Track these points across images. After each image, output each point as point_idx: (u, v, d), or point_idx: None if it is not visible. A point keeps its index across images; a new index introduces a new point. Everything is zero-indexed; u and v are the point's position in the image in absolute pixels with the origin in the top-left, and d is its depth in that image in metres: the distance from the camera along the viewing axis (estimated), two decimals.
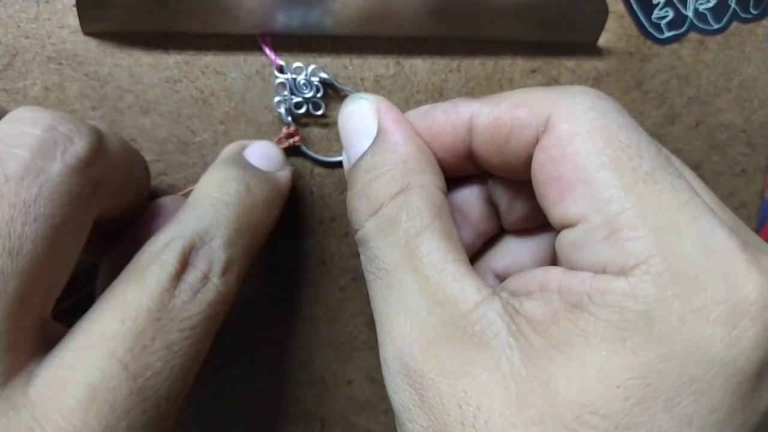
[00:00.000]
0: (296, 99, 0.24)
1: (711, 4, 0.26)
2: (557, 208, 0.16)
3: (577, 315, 0.15)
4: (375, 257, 0.18)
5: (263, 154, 0.22)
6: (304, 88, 0.24)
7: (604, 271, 0.15)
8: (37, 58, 0.23)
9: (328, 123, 0.25)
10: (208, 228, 0.19)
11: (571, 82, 0.25)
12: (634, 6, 0.25)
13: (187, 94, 0.24)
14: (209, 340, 0.18)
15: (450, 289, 0.16)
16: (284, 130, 0.24)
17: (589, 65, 0.25)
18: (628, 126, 0.16)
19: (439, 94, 0.25)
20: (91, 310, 0.17)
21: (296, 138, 0.24)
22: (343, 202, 0.26)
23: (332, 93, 0.24)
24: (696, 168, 0.28)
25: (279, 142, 0.24)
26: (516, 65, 0.25)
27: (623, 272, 0.15)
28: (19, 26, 0.22)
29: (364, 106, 0.20)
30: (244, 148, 0.23)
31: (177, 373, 0.17)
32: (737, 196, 0.28)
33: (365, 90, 0.24)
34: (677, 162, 0.19)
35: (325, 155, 0.25)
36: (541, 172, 0.17)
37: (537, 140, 0.17)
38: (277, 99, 0.24)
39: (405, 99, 0.25)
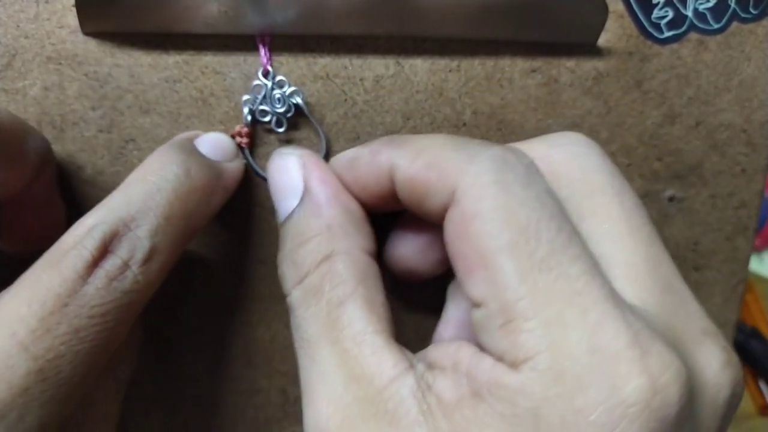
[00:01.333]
0: (263, 107, 0.24)
1: (711, 4, 0.26)
2: (464, 285, 0.16)
3: (478, 404, 0.15)
4: (299, 326, 0.18)
5: (214, 143, 0.22)
6: (277, 102, 0.24)
7: (502, 359, 0.15)
8: (36, 58, 0.23)
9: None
10: (136, 214, 0.18)
11: (571, 82, 0.25)
12: (634, 6, 0.25)
13: (187, 94, 0.24)
14: (124, 327, 0.18)
15: (367, 363, 0.17)
16: (237, 128, 0.24)
17: (589, 65, 0.25)
18: (530, 201, 0.16)
19: (439, 94, 0.25)
20: (6, 290, 0.17)
21: (245, 140, 0.24)
22: None
23: (300, 118, 0.24)
24: (696, 168, 0.28)
25: (231, 138, 0.24)
26: (516, 65, 0.25)
27: (515, 365, 0.15)
28: (18, 26, 0.22)
29: (291, 162, 0.20)
30: (195, 136, 0.23)
31: (82, 357, 0.17)
32: (737, 196, 0.28)
33: (364, 90, 0.24)
34: (590, 226, 0.18)
35: (263, 170, 0.25)
36: (450, 244, 0.17)
37: (447, 206, 0.17)
38: (246, 97, 0.24)
39: (405, 99, 0.25)
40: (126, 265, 0.18)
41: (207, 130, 0.24)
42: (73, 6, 0.22)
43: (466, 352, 0.16)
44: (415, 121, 0.25)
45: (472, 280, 0.16)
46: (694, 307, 0.17)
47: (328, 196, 0.19)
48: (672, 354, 0.15)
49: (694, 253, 0.29)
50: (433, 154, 0.18)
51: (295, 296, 0.19)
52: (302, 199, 0.20)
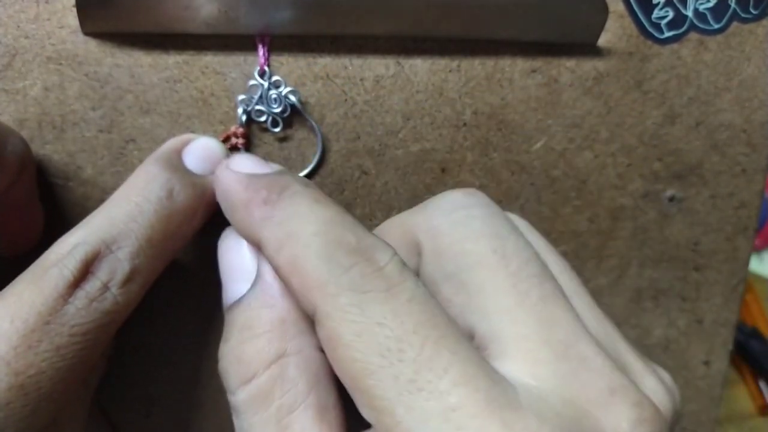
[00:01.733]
0: (259, 107, 0.24)
1: (711, 4, 0.26)
2: (357, 407, 0.16)
3: None
4: (247, 430, 0.17)
5: (202, 154, 0.22)
6: (273, 102, 0.24)
7: None
8: (36, 59, 0.23)
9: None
10: (117, 236, 0.18)
11: (571, 82, 0.25)
12: (634, 6, 0.25)
13: (187, 94, 0.24)
14: (102, 345, 0.19)
15: None
16: (232, 128, 0.24)
17: (589, 65, 0.25)
18: (388, 320, 0.15)
19: (439, 94, 0.25)
20: None
21: (241, 140, 0.24)
22: (354, 193, 0.26)
23: (296, 118, 0.24)
24: (696, 168, 0.28)
25: (226, 138, 0.24)
26: (516, 65, 0.25)
27: None
28: (18, 26, 0.22)
29: (239, 243, 0.20)
30: (185, 143, 0.22)
31: (63, 373, 0.17)
32: (737, 196, 0.28)
33: (365, 90, 0.24)
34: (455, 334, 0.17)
35: None
36: (331, 364, 0.16)
37: (312, 317, 0.16)
38: (241, 97, 0.24)
39: (405, 99, 0.25)
40: (106, 287, 0.18)
41: (207, 130, 0.24)
42: (73, 6, 0.22)
43: None
44: (415, 121, 0.25)
45: (357, 403, 0.16)
46: (596, 364, 0.16)
47: (283, 289, 0.18)
48: None
49: (694, 253, 0.29)
50: (297, 251, 0.16)
51: (241, 398, 0.17)
52: (254, 286, 0.19)
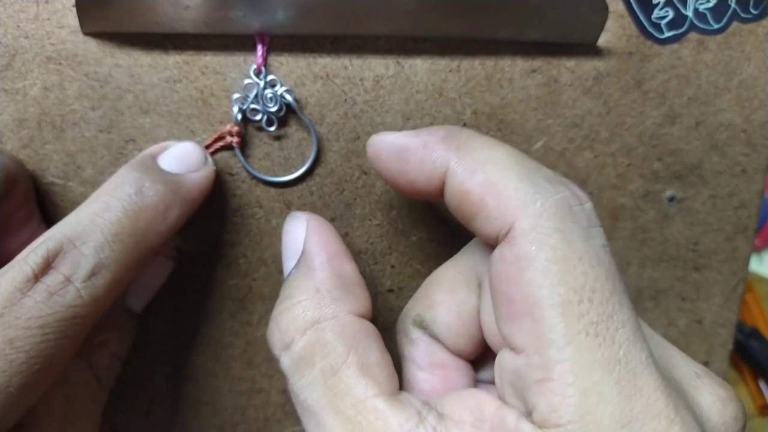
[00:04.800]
0: (254, 106, 0.24)
1: (711, 4, 0.26)
2: (505, 328, 0.16)
3: None
4: (297, 395, 0.18)
5: (178, 155, 0.22)
6: (269, 101, 0.24)
7: (529, 415, 0.15)
8: (36, 58, 0.23)
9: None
10: (82, 232, 0.19)
11: (571, 82, 0.25)
12: (634, 6, 0.25)
13: (187, 94, 0.24)
14: (70, 341, 0.19)
15: (373, 428, 0.16)
16: (227, 127, 0.24)
17: (589, 65, 0.25)
18: (589, 256, 0.16)
19: (439, 94, 0.25)
20: None
21: (236, 139, 0.24)
22: (354, 193, 0.26)
23: (296, 119, 0.24)
24: (696, 168, 0.28)
25: (219, 137, 0.24)
26: (516, 65, 0.25)
27: (544, 426, 0.15)
28: (18, 26, 0.22)
29: (295, 225, 0.20)
30: (162, 150, 0.22)
31: (17, 367, 0.17)
32: (737, 196, 0.28)
33: (365, 90, 0.24)
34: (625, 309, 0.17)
35: (258, 171, 0.25)
36: (497, 282, 0.17)
37: (498, 237, 0.17)
38: (236, 96, 0.24)
39: (405, 99, 0.25)
40: (68, 281, 0.18)
41: (206, 129, 0.24)
42: (73, 6, 0.22)
43: (490, 406, 0.16)
44: (415, 121, 0.25)
45: (515, 326, 0.16)
46: (677, 353, 0.18)
47: (322, 260, 0.19)
48: (693, 424, 0.15)
49: (694, 253, 0.29)
50: (495, 175, 0.17)
51: (286, 363, 0.18)
52: (298, 261, 0.20)
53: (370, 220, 0.26)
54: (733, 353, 0.32)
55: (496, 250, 0.17)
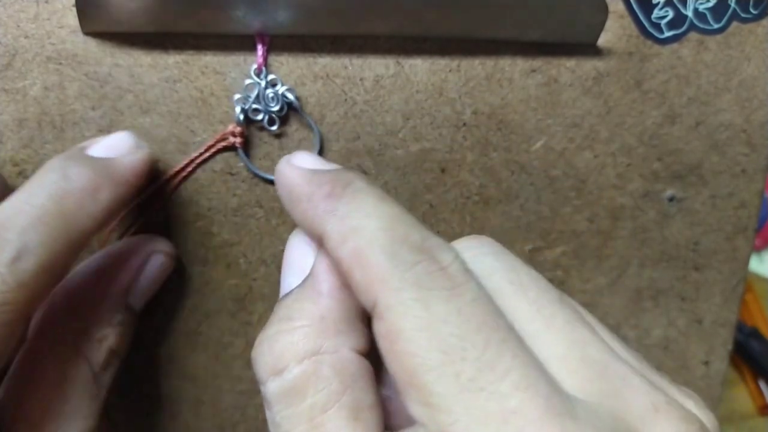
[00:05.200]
0: (256, 106, 0.24)
1: (711, 4, 0.26)
2: (404, 401, 0.16)
3: None
4: (278, 425, 0.17)
5: (107, 145, 0.22)
6: (271, 101, 0.24)
7: None
8: (36, 58, 0.23)
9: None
10: (6, 219, 0.18)
11: (571, 82, 0.25)
12: (634, 6, 0.25)
13: (187, 94, 0.24)
14: (4, 329, 0.18)
15: None
16: (230, 127, 0.24)
17: (589, 65, 0.25)
18: (453, 317, 0.15)
19: (439, 94, 0.25)
20: None
21: (238, 140, 0.24)
22: None
23: (296, 119, 0.24)
24: (696, 168, 0.28)
25: (222, 138, 0.24)
26: (516, 65, 0.25)
27: None
28: (18, 26, 0.22)
29: (304, 241, 0.20)
30: (94, 142, 0.22)
31: None
32: (737, 196, 0.28)
33: (365, 90, 0.24)
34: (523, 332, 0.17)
35: (260, 169, 0.25)
36: (383, 357, 0.16)
37: (370, 310, 0.16)
38: (237, 96, 0.24)
39: (405, 99, 0.25)
40: None
41: (207, 129, 0.24)
42: (73, 6, 0.22)
43: None
44: (415, 120, 0.25)
45: (408, 400, 0.16)
46: (636, 383, 0.16)
47: (331, 287, 0.18)
48: None
49: (694, 253, 0.29)
50: (361, 246, 0.16)
51: (272, 389, 0.17)
52: (304, 281, 0.19)
53: None
54: (733, 353, 0.32)
55: (374, 327, 0.16)
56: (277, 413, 0.17)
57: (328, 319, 0.18)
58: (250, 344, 0.27)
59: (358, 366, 0.18)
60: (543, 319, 0.17)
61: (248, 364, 0.27)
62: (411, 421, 0.17)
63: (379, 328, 0.16)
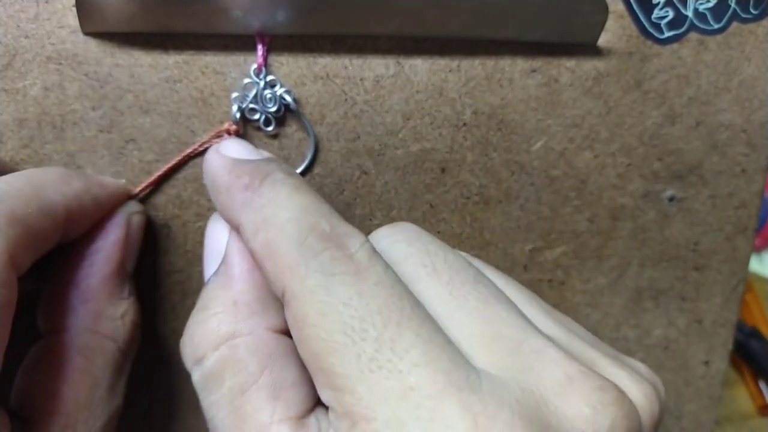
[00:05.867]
0: (253, 105, 0.24)
1: (711, 4, 0.26)
2: (317, 389, 0.16)
3: None
4: (206, 412, 0.18)
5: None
6: (268, 102, 0.24)
7: None
8: (36, 58, 0.23)
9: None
10: None
11: (571, 82, 0.25)
12: (634, 6, 0.25)
13: (187, 94, 0.24)
14: None
15: None
16: (225, 125, 0.24)
17: (589, 65, 0.25)
18: (354, 300, 0.16)
19: (439, 94, 0.25)
20: None
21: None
22: (354, 193, 0.26)
23: (291, 117, 0.24)
24: (696, 168, 0.28)
25: (217, 135, 0.24)
26: (516, 65, 0.25)
27: None
28: (18, 26, 0.22)
29: (218, 227, 0.20)
30: None
31: None
32: (737, 196, 0.28)
33: (365, 90, 0.24)
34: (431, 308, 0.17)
35: None
36: (297, 346, 0.16)
37: (281, 299, 0.17)
38: (235, 95, 0.24)
39: (405, 99, 0.25)
40: None
41: (207, 129, 0.24)
42: (73, 6, 0.22)
43: None
44: (415, 120, 0.25)
45: (317, 384, 0.16)
46: (551, 356, 0.16)
47: (242, 270, 0.18)
48: None
49: (694, 253, 0.29)
50: (272, 237, 0.17)
51: (196, 379, 0.18)
52: (218, 268, 0.19)
53: (370, 219, 0.26)
54: (733, 353, 0.32)
55: (285, 315, 0.17)
56: (203, 400, 0.18)
57: (241, 302, 0.18)
58: None
59: (276, 345, 0.18)
60: (455, 300, 0.17)
61: None
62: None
63: (288, 316, 0.16)
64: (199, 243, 0.25)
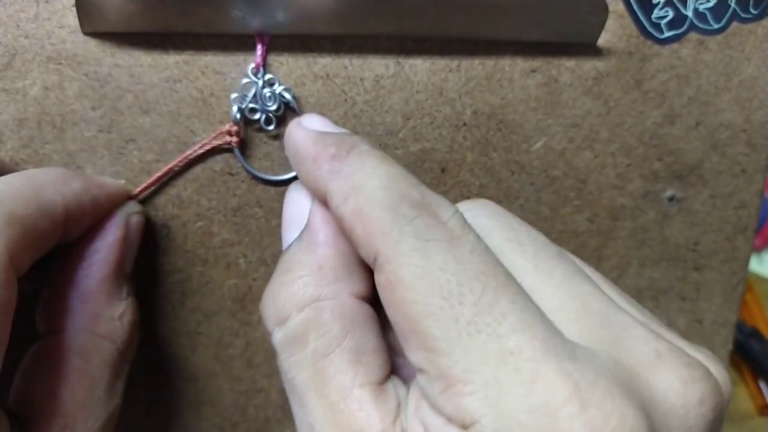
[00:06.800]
0: (253, 105, 0.24)
1: (711, 4, 0.26)
2: (405, 351, 0.16)
3: None
4: (285, 372, 0.18)
5: None
6: (268, 100, 0.24)
7: (450, 421, 0.15)
8: (36, 58, 0.23)
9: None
10: None
11: (571, 82, 0.25)
12: (634, 6, 0.25)
13: (187, 94, 0.24)
14: None
15: (354, 418, 0.16)
16: (226, 126, 0.24)
17: (589, 65, 0.25)
18: (450, 264, 0.16)
19: (439, 94, 0.25)
20: None
21: (234, 139, 0.24)
22: None
23: (291, 116, 0.24)
24: (696, 168, 0.28)
25: (218, 137, 0.24)
26: (516, 65, 0.25)
27: (464, 427, 0.15)
28: (18, 26, 0.22)
29: (300, 195, 0.20)
30: None
31: None
32: (737, 196, 0.28)
33: (365, 90, 0.24)
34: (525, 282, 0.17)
35: (257, 170, 0.25)
36: (385, 308, 0.17)
37: (371, 263, 0.17)
38: (234, 95, 0.24)
39: (405, 99, 0.25)
40: None
41: (207, 129, 0.24)
42: (73, 6, 0.22)
43: (428, 412, 0.16)
44: (415, 120, 0.25)
45: (408, 347, 0.16)
46: (639, 332, 0.17)
47: (327, 236, 0.19)
48: (615, 400, 0.14)
49: (694, 253, 0.29)
50: (362, 203, 0.17)
51: (278, 339, 0.18)
52: (301, 234, 0.19)
53: None
54: (733, 353, 0.32)
55: (375, 280, 0.17)
56: (284, 361, 0.18)
57: (326, 267, 0.18)
58: (250, 344, 0.27)
59: (359, 310, 0.18)
60: (541, 274, 0.17)
61: (248, 364, 0.27)
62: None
63: (380, 279, 0.16)
64: (199, 243, 0.25)
